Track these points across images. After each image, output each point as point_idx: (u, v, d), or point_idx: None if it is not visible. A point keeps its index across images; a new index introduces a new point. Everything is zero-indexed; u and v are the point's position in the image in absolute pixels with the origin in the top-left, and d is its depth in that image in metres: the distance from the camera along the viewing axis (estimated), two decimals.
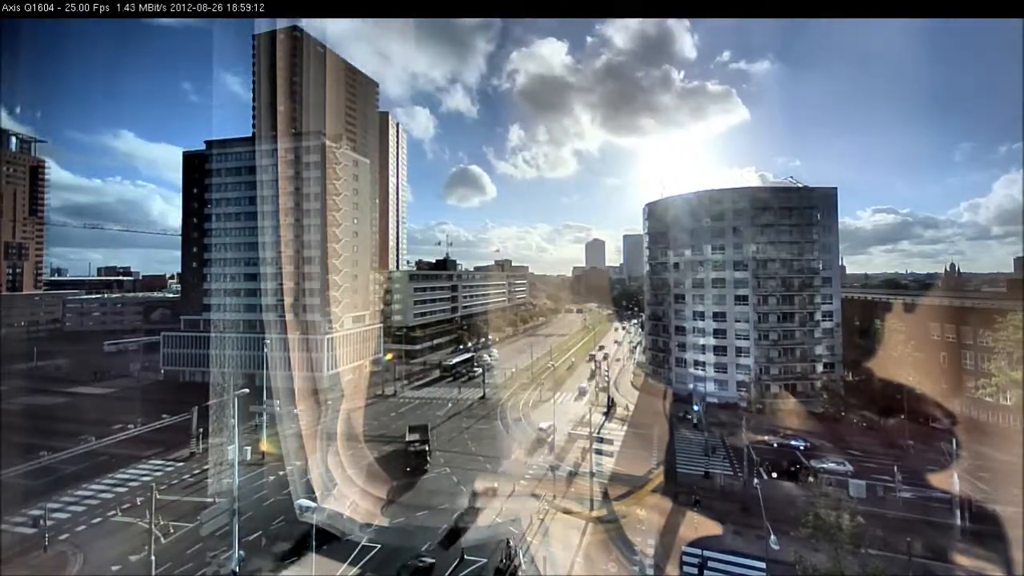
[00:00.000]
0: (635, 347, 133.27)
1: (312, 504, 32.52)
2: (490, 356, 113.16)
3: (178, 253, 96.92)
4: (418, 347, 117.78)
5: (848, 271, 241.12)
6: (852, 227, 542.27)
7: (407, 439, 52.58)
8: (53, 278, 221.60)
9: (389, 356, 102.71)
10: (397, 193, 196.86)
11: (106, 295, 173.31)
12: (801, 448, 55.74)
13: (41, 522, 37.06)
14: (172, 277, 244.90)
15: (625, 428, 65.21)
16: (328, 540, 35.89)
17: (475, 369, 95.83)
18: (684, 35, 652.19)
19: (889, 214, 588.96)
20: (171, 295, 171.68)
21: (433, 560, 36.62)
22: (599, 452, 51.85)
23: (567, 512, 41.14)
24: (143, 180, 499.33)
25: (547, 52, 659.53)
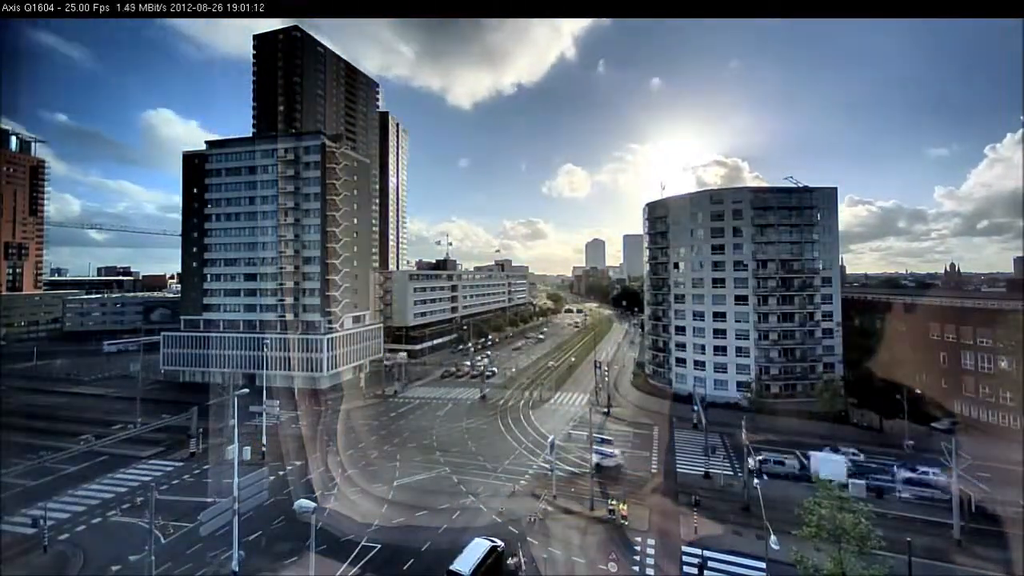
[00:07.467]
0: (634, 345, 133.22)
1: (312, 504, 32.49)
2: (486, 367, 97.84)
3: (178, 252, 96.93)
4: (418, 347, 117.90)
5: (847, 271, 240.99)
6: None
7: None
8: (53, 278, 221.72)
9: (387, 355, 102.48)
10: (397, 193, 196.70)
11: (106, 295, 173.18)
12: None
13: (41, 522, 37.04)
14: (172, 277, 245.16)
15: (625, 428, 65.23)
16: (328, 540, 35.93)
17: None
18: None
19: (871, 207, 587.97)
20: (171, 295, 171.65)
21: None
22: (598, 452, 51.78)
23: (567, 512, 41.16)
24: None
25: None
